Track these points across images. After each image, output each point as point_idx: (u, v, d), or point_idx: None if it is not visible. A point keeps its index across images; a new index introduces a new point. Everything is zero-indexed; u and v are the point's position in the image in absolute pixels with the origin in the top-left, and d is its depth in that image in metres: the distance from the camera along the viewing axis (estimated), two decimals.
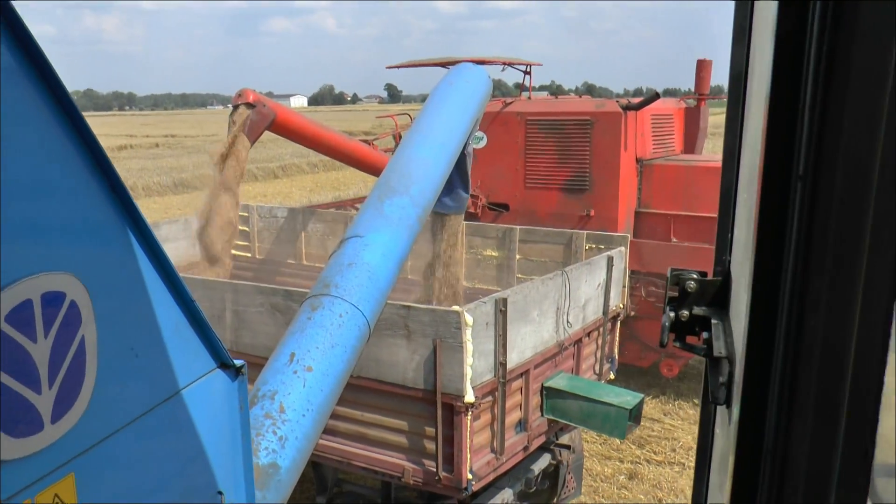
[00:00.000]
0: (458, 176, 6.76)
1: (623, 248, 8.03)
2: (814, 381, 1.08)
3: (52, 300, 1.32)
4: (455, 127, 5.96)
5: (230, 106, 8.78)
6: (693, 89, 13.02)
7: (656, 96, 11.06)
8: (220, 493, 1.90)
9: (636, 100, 11.20)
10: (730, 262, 1.60)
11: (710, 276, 1.64)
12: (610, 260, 7.57)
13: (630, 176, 11.16)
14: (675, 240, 10.90)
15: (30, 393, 1.29)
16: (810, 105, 0.97)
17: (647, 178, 11.34)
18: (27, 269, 1.26)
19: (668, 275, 1.64)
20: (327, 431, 6.15)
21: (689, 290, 1.61)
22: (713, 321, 1.57)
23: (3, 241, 1.20)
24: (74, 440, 1.41)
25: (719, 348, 1.45)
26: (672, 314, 1.60)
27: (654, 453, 9.71)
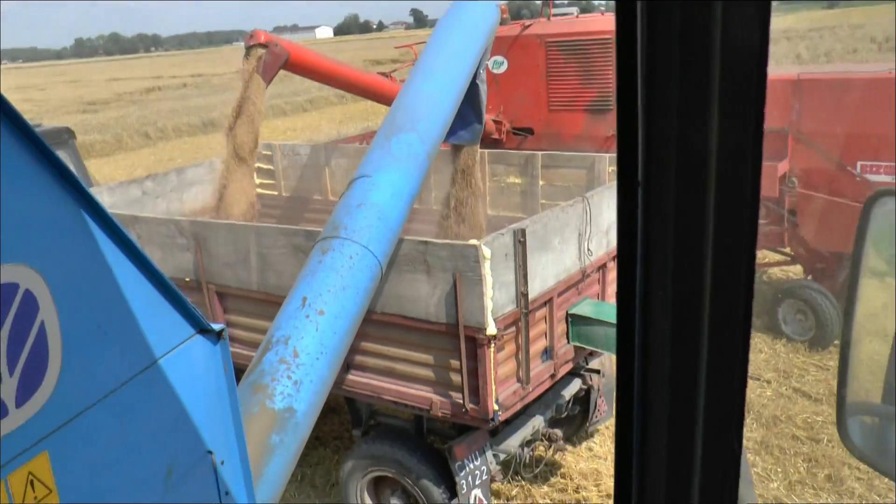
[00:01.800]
0: (471, 107, 6.69)
1: None
2: (666, 389, 1.06)
3: (5, 292, 1.34)
4: (461, 58, 5.88)
5: (244, 45, 8.74)
6: None
7: None
8: (210, 452, 1.94)
9: None
10: None
11: None
12: None
13: None
14: None
15: None
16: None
17: None
18: None
19: None
20: (357, 367, 6.25)
21: None
22: None
23: None
24: (44, 420, 1.44)
25: None
26: None
27: None
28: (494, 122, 11.85)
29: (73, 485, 1.52)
